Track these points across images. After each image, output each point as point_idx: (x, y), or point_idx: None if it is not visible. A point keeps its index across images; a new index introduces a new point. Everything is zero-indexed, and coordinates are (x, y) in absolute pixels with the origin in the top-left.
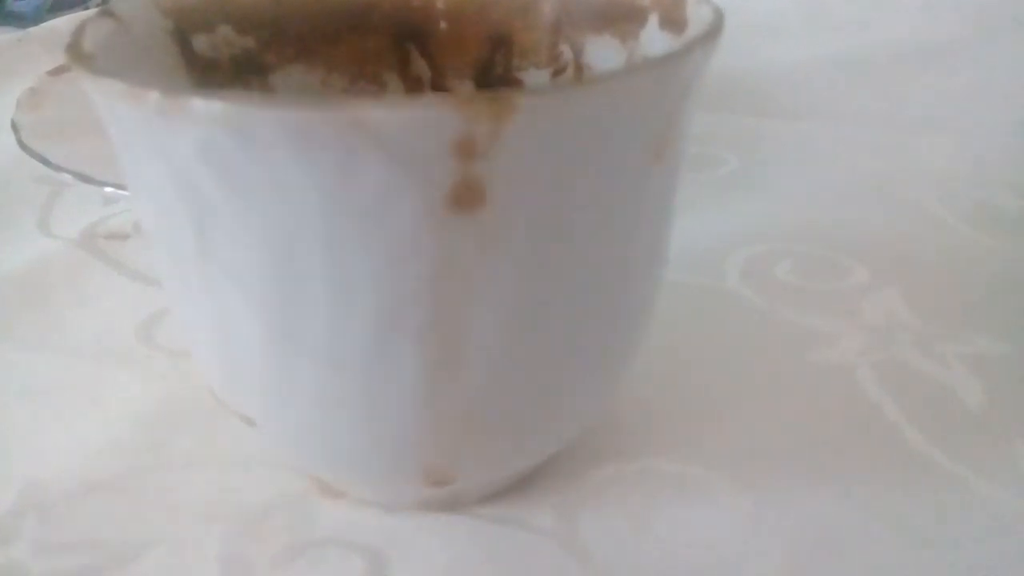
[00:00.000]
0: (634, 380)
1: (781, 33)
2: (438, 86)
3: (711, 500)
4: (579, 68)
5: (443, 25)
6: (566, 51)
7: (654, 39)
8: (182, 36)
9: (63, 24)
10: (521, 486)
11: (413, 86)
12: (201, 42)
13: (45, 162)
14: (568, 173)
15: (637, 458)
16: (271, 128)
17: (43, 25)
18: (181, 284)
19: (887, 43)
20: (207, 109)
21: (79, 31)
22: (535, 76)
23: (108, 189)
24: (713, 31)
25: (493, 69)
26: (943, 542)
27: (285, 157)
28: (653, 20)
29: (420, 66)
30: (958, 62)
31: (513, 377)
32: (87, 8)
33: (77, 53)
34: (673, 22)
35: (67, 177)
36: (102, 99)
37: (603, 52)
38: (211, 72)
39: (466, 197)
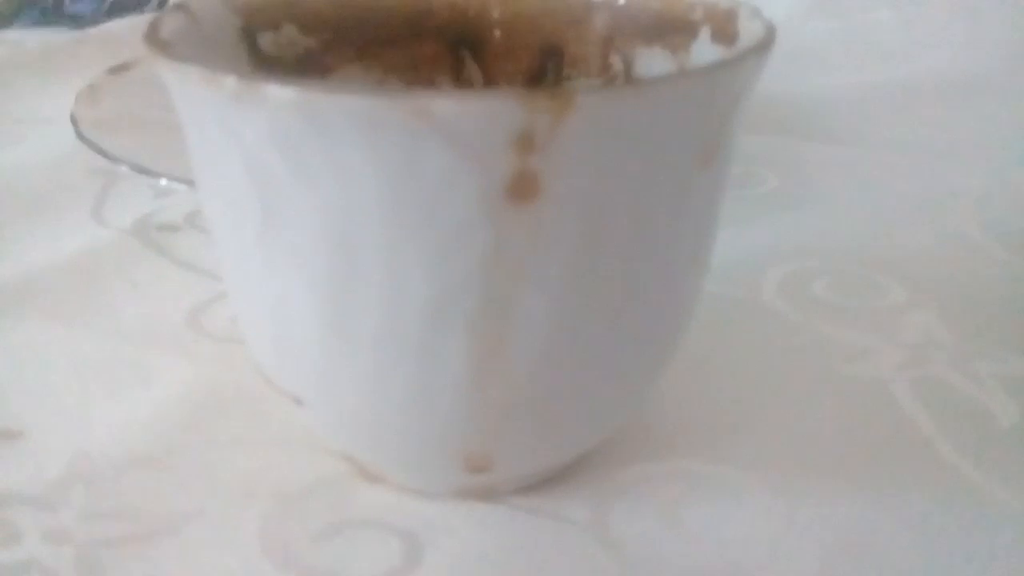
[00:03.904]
0: (670, 384)
1: (826, 59)
2: None
3: (744, 502)
4: (629, 80)
5: (497, 33)
6: (617, 62)
7: (704, 52)
8: (249, 33)
9: (120, 27)
10: (556, 480)
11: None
12: (266, 40)
13: (103, 153)
14: (620, 171)
15: (672, 458)
16: (340, 115)
17: (101, 27)
18: (242, 267)
19: (930, 73)
20: (280, 95)
21: (155, 23)
22: (585, 86)
23: (163, 181)
24: (766, 43)
25: (544, 77)
26: (972, 555)
27: (351, 143)
28: (704, 33)
29: (473, 72)
30: (999, 94)
31: (557, 367)
32: (144, 12)
33: (156, 41)
34: (724, 35)
35: (124, 168)
36: (178, 84)
37: (653, 64)
38: (274, 70)
39: (522, 189)
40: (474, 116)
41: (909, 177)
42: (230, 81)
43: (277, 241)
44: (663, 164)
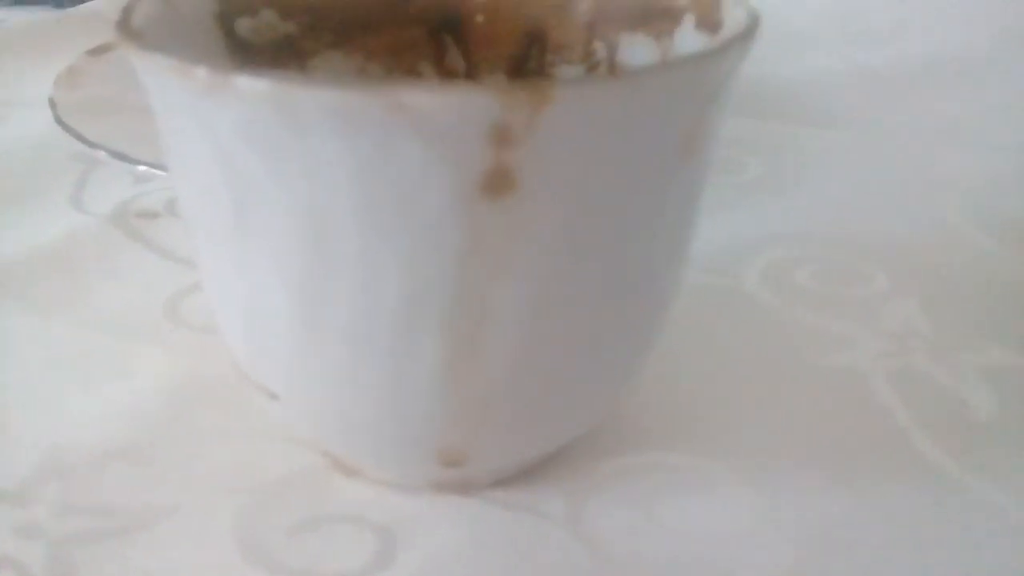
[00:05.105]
0: (649, 375)
1: (811, 42)
2: (472, 78)
3: (721, 495)
4: (613, 66)
5: (480, 19)
6: (600, 49)
7: (688, 39)
8: (227, 19)
9: (102, 5)
10: (533, 474)
11: (447, 77)
12: (244, 25)
13: (81, 138)
14: (599, 165)
15: (649, 451)
16: (313, 107)
17: (81, 6)
18: (215, 260)
19: (916, 56)
20: (252, 87)
21: (128, 8)
22: (568, 72)
23: (142, 167)
24: (748, 32)
25: (527, 64)
26: (947, 547)
27: (325, 136)
28: (688, 20)
29: (455, 58)
30: (986, 78)
31: (533, 363)
32: None
33: (127, 29)
34: (709, 23)
35: (102, 154)
36: (150, 75)
37: (637, 51)
38: (252, 55)
39: (498, 184)
40: (449, 110)
41: (896, 162)
42: (201, 72)
43: (249, 236)
44: (644, 157)
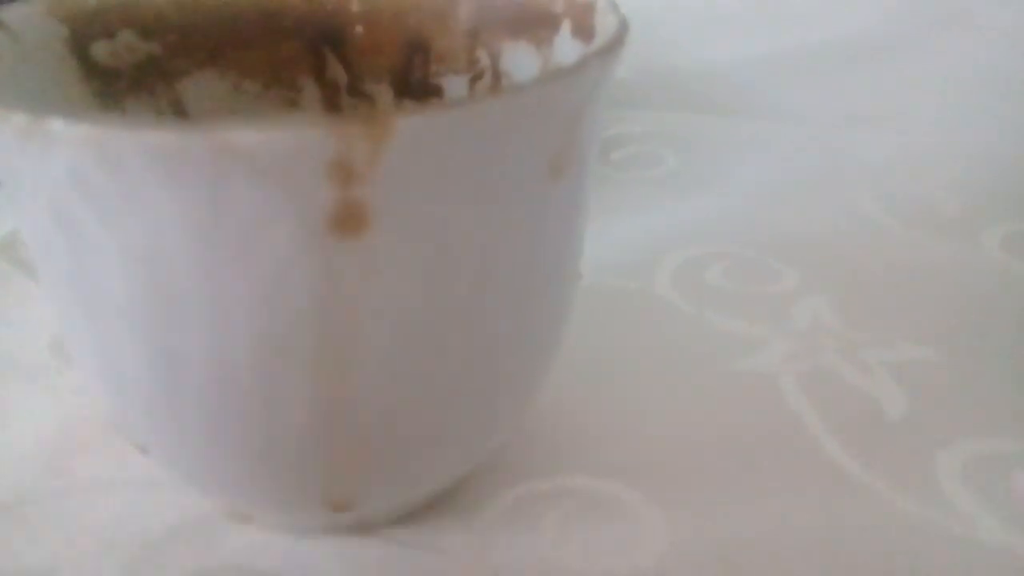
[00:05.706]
0: (556, 391)
1: (722, 30)
2: (356, 91)
3: (625, 518)
4: (497, 74)
5: (359, 29)
6: (483, 57)
7: (566, 46)
8: (79, 44)
9: None
10: (434, 507)
11: (330, 91)
12: (101, 50)
13: None
14: (458, 195)
15: (555, 475)
16: (137, 153)
17: None
18: (63, 305)
19: (828, 40)
20: (70, 133)
21: None
22: (453, 82)
23: None
24: (613, 44)
25: (411, 74)
26: (858, 557)
27: (154, 183)
28: (566, 28)
29: (337, 71)
30: (898, 59)
31: (410, 404)
32: None
33: None
34: (583, 30)
35: None
36: None
37: (520, 58)
38: (113, 81)
39: (348, 222)
40: (281, 148)
41: (811, 149)
42: (17, 119)
43: (92, 288)
44: (507, 181)
